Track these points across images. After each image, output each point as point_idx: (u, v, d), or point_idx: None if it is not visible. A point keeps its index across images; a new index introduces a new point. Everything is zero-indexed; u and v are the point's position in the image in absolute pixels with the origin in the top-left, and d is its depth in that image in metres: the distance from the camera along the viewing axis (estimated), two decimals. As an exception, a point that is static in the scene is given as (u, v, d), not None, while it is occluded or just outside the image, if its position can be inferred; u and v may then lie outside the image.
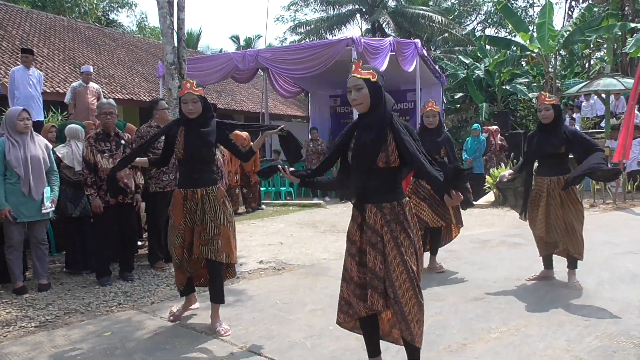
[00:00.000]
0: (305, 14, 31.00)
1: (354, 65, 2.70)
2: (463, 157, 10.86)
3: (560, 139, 4.47)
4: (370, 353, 2.90)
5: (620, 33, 16.30)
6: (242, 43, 36.02)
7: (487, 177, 9.75)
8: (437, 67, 16.66)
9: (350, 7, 28.92)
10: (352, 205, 2.83)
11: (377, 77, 2.64)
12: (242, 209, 9.89)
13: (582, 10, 20.84)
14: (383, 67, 11.34)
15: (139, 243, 6.36)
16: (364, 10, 28.63)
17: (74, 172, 5.39)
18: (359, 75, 2.63)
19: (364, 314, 2.75)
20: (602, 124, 13.30)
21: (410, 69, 12.16)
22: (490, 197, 9.97)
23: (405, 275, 2.60)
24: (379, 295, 2.64)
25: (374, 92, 2.63)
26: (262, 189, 10.84)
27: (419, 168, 2.54)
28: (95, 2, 25.71)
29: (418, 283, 2.64)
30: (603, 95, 12.34)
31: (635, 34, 15.20)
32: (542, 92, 4.73)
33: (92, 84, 9.00)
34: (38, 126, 6.80)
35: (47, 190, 4.86)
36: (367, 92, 2.62)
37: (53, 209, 4.97)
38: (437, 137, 4.93)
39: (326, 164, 2.90)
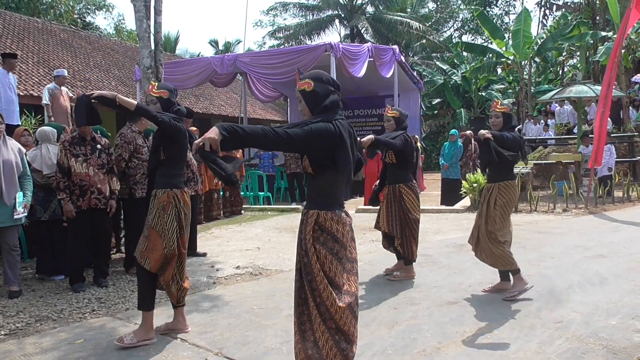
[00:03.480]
0: (285, 19, 31.06)
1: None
2: (440, 163, 10.98)
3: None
4: None
5: (592, 41, 16.74)
6: (221, 47, 35.92)
7: (463, 182, 9.88)
8: (415, 73, 16.84)
9: (329, 12, 29.11)
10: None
11: (313, 85, 2.49)
12: (220, 213, 9.82)
13: (556, 19, 21.31)
14: (361, 73, 11.45)
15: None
16: (342, 16, 28.84)
17: (42, 176, 5.31)
18: (297, 87, 2.58)
19: None
20: (575, 130, 13.60)
21: (388, 75, 12.27)
22: (466, 201, 10.10)
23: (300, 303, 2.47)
24: None
25: (312, 101, 2.50)
26: (240, 193, 10.80)
27: None
28: (71, 4, 25.34)
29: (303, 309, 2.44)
30: (575, 101, 12.62)
31: (606, 43, 15.61)
32: (495, 99, 4.77)
33: (63, 88, 8.86)
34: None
35: (19, 195, 4.77)
36: (304, 103, 2.54)
37: (26, 214, 4.87)
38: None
39: None
